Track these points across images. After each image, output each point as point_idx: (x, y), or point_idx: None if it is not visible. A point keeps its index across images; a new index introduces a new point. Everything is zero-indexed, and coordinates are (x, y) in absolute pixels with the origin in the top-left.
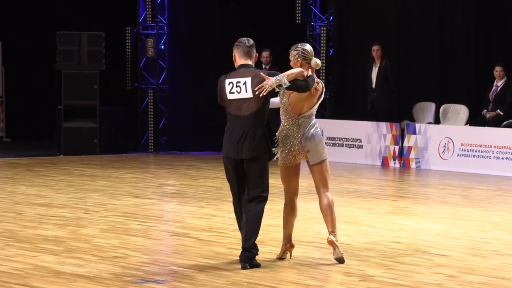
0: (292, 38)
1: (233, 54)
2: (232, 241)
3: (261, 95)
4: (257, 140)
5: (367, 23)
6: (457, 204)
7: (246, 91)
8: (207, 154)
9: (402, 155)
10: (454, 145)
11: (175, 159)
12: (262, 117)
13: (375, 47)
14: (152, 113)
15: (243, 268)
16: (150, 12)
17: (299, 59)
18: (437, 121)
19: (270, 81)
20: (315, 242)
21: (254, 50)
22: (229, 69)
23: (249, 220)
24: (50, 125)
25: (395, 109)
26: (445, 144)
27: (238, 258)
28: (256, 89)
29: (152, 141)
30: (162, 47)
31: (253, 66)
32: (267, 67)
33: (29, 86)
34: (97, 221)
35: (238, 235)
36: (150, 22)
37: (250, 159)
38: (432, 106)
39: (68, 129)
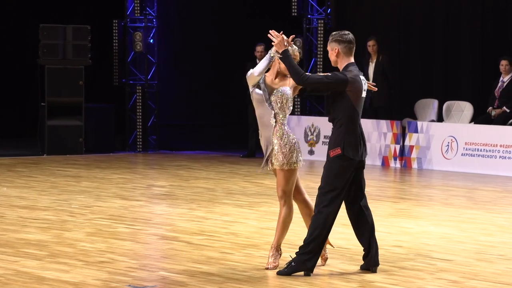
0: (288, 31)
1: (335, 48)
2: (224, 245)
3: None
4: None
5: (367, 15)
6: (461, 206)
7: (365, 90)
8: (198, 154)
9: (403, 154)
10: (458, 144)
11: (165, 159)
12: None
13: (370, 42)
14: (140, 110)
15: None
16: (138, 4)
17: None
18: (440, 119)
19: None
20: None
21: None
22: (221, 64)
23: (373, 228)
24: (33, 123)
25: (395, 106)
26: (448, 143)
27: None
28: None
29: (140, 140)
30: (151, 41)
31: None
32: None
33: (11, 81)
34: (83, 224)
35: (230, 238)
36: (139, 14)
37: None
38: (435, 103)
39: (52, 127)
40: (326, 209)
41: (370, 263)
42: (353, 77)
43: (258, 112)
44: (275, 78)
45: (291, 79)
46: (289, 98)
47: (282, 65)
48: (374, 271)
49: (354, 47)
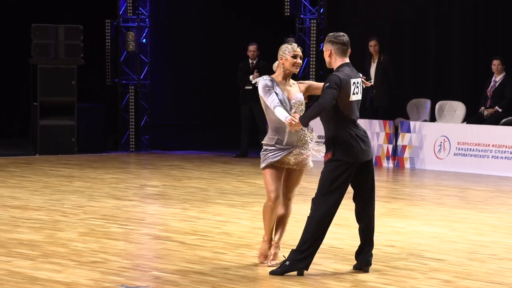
0: (280, 31)
1: (328, 49)
2: (217, 245)
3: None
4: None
5: (360, 15)
6: (453, 205)
7: (360, 92)
8: (191, 154)
9: (396, 154)
10: (451, 144)
11: (157, 159)
12: None
13: (372, 43)
14: (133, 110)
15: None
16: (130, 4)
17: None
18: (432, 118)
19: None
20: None
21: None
22: (214, 63)
23: (372, 224)
24: (25, 123)
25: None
26: (441, 143)
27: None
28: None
29: (133, 139)
30: (144, 40)
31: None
32: (254, 61)
33: (3, 81)
34: (75, 224)
35: (223, 238)
36: (131, 14)
37: (370, 160)
38: (428, 103)
39: (44, 127)
40: (317, 213)
41: (362, 262)
42: (343, 77)
43: None
44: (283, 78)
45: (301, 84)
46: (303, 102)
47: (286, 64)
48: (367, 271)
49: (348, 49)
